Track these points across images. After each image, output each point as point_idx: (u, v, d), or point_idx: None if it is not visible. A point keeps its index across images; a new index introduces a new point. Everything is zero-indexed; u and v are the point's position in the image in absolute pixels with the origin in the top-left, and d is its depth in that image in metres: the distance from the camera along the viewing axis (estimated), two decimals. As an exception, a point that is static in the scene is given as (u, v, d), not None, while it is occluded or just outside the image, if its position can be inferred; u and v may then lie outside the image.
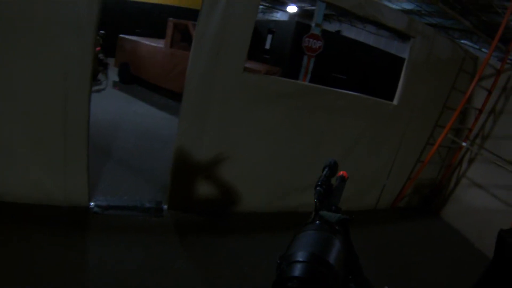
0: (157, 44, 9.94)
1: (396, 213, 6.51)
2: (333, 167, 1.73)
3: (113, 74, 10.69)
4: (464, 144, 6.12)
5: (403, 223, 6.30)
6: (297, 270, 1.16)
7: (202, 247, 4.20)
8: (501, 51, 12.91)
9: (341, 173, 1.73)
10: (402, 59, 13.79)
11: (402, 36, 16.53)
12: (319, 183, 1.66)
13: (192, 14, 13.33)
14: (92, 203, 4.43)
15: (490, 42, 12.42)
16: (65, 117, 3.81)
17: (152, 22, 14.01)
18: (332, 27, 18.89)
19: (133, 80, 10.68)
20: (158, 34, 12.01)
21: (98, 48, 9.02)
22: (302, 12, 19.77)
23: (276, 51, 12.31)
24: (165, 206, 4.77)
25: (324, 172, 1.72)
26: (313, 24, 9.20)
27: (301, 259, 1.18)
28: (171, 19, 9.50)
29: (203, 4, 3.94)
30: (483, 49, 13.47)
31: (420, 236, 5.95)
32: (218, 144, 4.55)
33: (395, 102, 5.58)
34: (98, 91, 9.16)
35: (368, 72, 12.34)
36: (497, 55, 13.22)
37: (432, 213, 6.83)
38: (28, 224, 3.84)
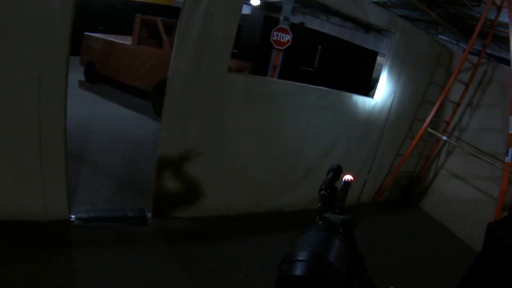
0: (124, 41, 9.58)
1: (377, 207, 6.57)
2: (336, 171, 1.70)
3: (78, 73, 10.26)
4: (444, 138, 6.19)
5: (385, 216, 6.36)
6: (298, 269, 1.14)
7: (193, 256, 4.04)
8: (465, 43, 13.22)
9: (346, 177, 1.72)
10: (368, 50, 13.89)
11: (366, 28, 16.72)
12: (323, 186, 1.63)
13: (157, 9, 13.04)
14: (72, 216, 4.15)
15: (456, 33, 12.71)
16: (39, 125, 3.53)
17: (116, 19, 13.53)
18: (295, 19, 18.81)
19: (99, 79, 10.27)
20: (123, 30, 11.62)
21: None
22: (264, 5, 19.64)
23: (244, 45, 12.14)
24: (149, 214, 4.55)
25: (328, 176, 1.69)
26: (281, 18, 9.12)
27: (301, 258, 1.18)
28: (138, 15, 9.16)
29: (185, 3, 3.75)
30: (460, 44, 13.75)
31: (403, 229, 6.02)
32: (203, 148, 4.40)
33: (376, 98, 5.58)
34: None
35: (335, 64, 12.37)
36: (465, 47, 13.53)
37: (412, 205, 6.93)
38: (6, 242, 3.55)
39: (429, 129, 6.16)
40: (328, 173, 1.72)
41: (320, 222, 1.45)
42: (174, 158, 4.31)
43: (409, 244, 5.49)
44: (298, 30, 11.27)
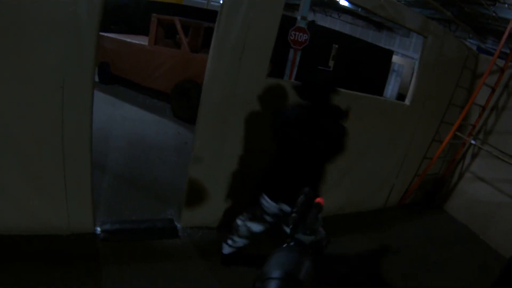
0: (140, 41, 9.49)
1: (403, 210, 6.51)
2: (308, 195, 1.91)
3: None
4: (473, 142, 6.13)
5: (411, 220, 6.30)
6: (271, 286, 1.28)
7: (228, 271, 3.89)
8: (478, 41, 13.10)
9: (317, 199, 1.89)
10: (384, 49, 13.71)
11: (378, 26, 16.56)
12: (295, 210, 1.84)
13: (168, 8, 12.87)
14: (98, 229, 4.04)
15: (470, 32, 12.62)
16: (62, 133, 3.39)
17: (127, 18, 13.37)
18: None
19: (113, 80, 10.18)
20: (134, 30, 11.51)
21: None
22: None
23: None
24: (179, 225, 4.45)
25: (299, 199, 1.90)
26: (298, 17, 9.02)
27: (274, 276, 1.31)
28: (155, 14, 9.05)
29: (223, 5, 3.66)
30: (471, 40, 13.64)
31: (428, 231, 5.99)
32: (239, 154, 4.31)
33: (407, 102, 5.53)
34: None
35: (351, 63, 12.22)
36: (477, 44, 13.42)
37: (436, 207, 6.88)
38: (24, 259, 3.42)
39: (457, 133, 6.09)
40: (299, 196, 1.91)
41: (292, 243, 1.64)
42: (208, 164, 4.21)
43: (437, 248, 5.48)
44: (313, 28, 11.16)
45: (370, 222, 5.69)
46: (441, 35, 5.32)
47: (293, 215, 1.76)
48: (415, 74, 5.42)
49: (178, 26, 8.64)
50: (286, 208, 3.07)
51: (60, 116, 3.32)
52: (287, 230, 3.31)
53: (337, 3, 14.35)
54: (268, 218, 3.38)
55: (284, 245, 1.61)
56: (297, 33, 8.81)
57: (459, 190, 6.72)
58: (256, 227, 3.57)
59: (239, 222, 3.68)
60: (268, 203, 3.25)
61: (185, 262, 3.95)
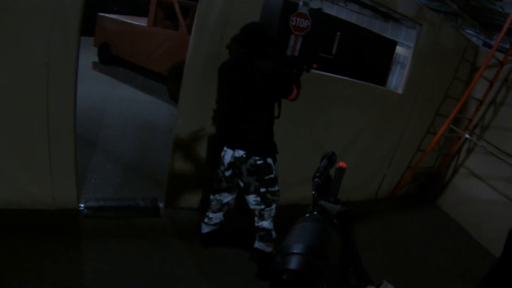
0: (139, 22, 9.42)
1: (395, 203, 6.41)
2: (331, 158, 1.67)
3: (92, 55, 10.13)
4: (468, 136, 6.03)
5: (403, 212, 6.20)
6: (292, 263, 1.12)
7: (207, 252, 3.88)
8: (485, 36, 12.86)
9: (339, 164, 1.65)
10: (387, 39, 13.50)
11: (385, 16, 16.34)
12: (317, 174, 1.59)
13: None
14: (81, 205, 4.05)
15: (476, 27, 12.41)
16: (47, 111, 3.41)
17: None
18: (313, 4, 18.44)
19: (113, 60, 10.14)
20: (137, 11, 11.42)
21: None
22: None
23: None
24: (162, 204, 4.44)
25: (322, 163, 1.66)
26: (300, 3, 8.92)
27: (296, 251, 1.15)
28: (154, -4, 8.99)
29: None
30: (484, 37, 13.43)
31: (420, 226, 5.89)
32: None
33: (400, 91, 5.44)
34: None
35: (354, 52, 12.08)
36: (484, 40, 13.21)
37: (429, 201, 6.76)
38: (10, 232, 3.45)
39: (451, 126, 5.99)
40: (322, 160, 1.70)
41: (315, 212, 1.44)
42: (190, 146, 4.18)
43: (425, 243, 5.38)
44: (317, 16, 11.01)
45: (359, 212, 5.56)
46: (437, 24, 5.21)
47: (316, 179, 1.54)
48: (409, 62, 5.34)
49: (177, 8, 8.55)
50: (240, 152, 3.36)
51: (46, 92, 3.34)
52: (241, 184, 3.47)
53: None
54: (227, 173, 3.55)
55: (307, 215, 1.39)
56: (298, 18, 8.70)
57: (453, 186, 6.60)
58: (225, 197, 3.74)
59: (211, 197, 3.81)
60: (225, 152, 3.51)
61: (163, 240, 3.96)
